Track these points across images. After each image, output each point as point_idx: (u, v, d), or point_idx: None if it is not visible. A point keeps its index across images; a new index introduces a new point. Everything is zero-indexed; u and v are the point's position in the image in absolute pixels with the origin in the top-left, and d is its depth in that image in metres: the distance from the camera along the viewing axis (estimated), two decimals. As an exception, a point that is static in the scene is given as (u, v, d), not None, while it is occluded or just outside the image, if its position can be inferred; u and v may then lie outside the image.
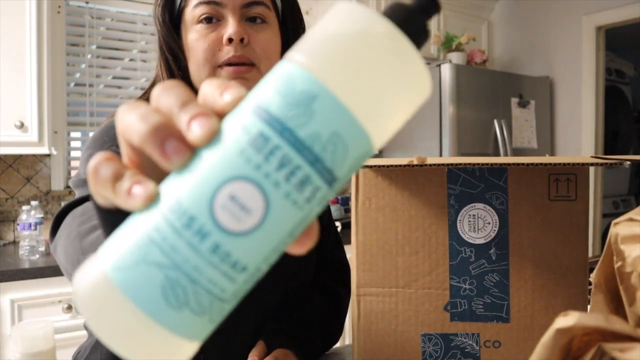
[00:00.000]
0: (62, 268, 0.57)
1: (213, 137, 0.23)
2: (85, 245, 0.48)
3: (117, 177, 0.24)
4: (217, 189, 0.22)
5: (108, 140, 0.68)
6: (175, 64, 0.73)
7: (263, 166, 0.22)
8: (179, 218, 0.22)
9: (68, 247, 0.53)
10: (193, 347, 0.25)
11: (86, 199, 0.59)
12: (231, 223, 0.22)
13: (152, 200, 0.23)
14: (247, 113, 0.23)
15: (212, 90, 0.25)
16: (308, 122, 0.23)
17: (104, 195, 0.25)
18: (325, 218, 0.89)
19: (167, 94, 0.26)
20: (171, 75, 0.74)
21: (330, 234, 0.90)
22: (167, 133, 0.24)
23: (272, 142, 0.22)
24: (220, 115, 0.25)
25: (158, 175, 0.26)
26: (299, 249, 0.26)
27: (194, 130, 0.23)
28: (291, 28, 0.77)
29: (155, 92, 0.26)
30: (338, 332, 0.86)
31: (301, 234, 0.25)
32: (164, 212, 0.23)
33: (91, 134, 2.41)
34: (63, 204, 2.19)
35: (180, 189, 0.23)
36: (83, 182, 0.65)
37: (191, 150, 0.24)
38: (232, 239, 0.22)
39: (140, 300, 0.22)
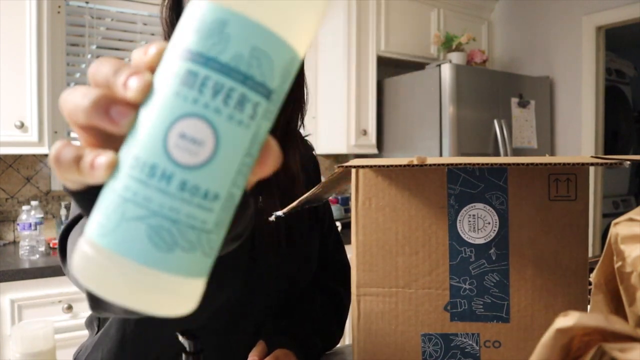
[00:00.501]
0: (73, 280, 0.57)
1: (148, 89, 0.25)
2: None
3: (78, 158, 0.26)
4: (166, 133, 0.24)
5: None
6: None
7: (200, 99, 0.24)
8: (141, 171, 0.24)
9: None
10: (199, 284, 0.26)
11: (80, 217, 0.59)
12: (188, 158, 0.24)
13: (114, 166, 0.25)
14: (172, 59, 0.25)
15: (139, 53, 0.27)
16: (226, 46, 0.24)
17: (71, 178, 0.27)
18: (327, 219, 0.89)
19: (100, 68, 0.27)
20: None
21: (332, 235, 0.90)
22: (107, 101, 0.25)
23: (201, 75, 0.24)
24: (151, 70, 0.26)
25: (117, 148, 0.27)
26: (264, 169, 0.27)
27: (130, 88, 0.25)
28: None
29: (91, 70, 0.28)
30: (339, 332, 0.86)
31: (261, 153, 0.27)
32: (126, 172, 0.24)
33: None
34: (63, 204, 2.20)
35: (135, 146, 0.24)
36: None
37: (134, 109, 0.25)
38: (194, 172, 0.24)
39: (132, 253, 0.23)
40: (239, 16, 0.24)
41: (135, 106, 0.25)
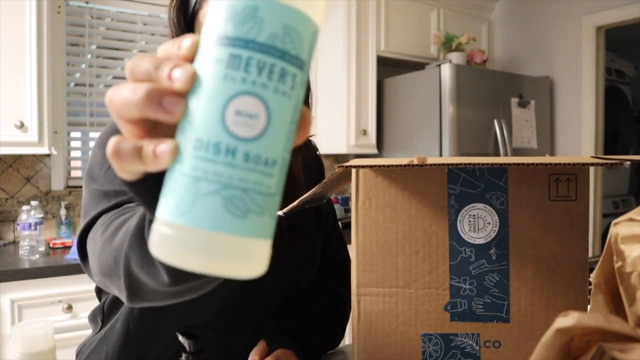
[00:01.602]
0: (98, 279, 0.57)
1: (194, 78, 0.27)
2: (116, 244, 0.49)
3: (137, 149, 0.28)
4: (223, 113, 0.26)
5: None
6: None
7: (247, 77, 0.26)
8: (206, 150, 0.26)
9: (100, 256, 0.54)
10: (268, 244, 0.29)
11: (98, 216, 0.60)
12: (247, 131, 0.26)
13: (176, 151, 0.27)
14: (212, 47, 0.27)
15: (169, 48, 0.29)
16: (261, 28, 0.27)
17: (130, 169, 0.29)
18: (329, 220, 0.89)
19: (139, 64, 0.29)
20: None
21: (334, 235, 0.90)
22: (159, 93, 0.27)
23: (244, 56, 0.26)
24: (189, 62, 0.28)
25: (163, 135, 0.29)
26: (303, 134, 0.30)
27: (177, 79, 0.27)
28: None
29: (128, 69, 0.29)
30: (339, 332, 0.86)
31: (300, 120, 0.29)
32: (191, 153, 0.26)
33: (91, 134, 2.40)
34: (63, 204, 2.20)
35: (194, 130, 0.27)
36: (104, 194, 0.64)
37: (184, 98, 0.27)
38: (254, 143, 0.27)
39: (213, 225, 0.26)
40: (267, 0, 0.27)
41: (183, 95, 0.27)
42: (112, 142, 0.28)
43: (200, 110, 0.27)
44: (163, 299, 0.48)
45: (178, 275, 0.48)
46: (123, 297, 0.50)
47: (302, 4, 0.28)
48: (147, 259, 0.42)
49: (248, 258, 0.27)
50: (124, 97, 0.28)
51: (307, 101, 0.81)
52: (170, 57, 0.29)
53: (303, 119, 0.30)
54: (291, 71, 0.27)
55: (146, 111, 0.27)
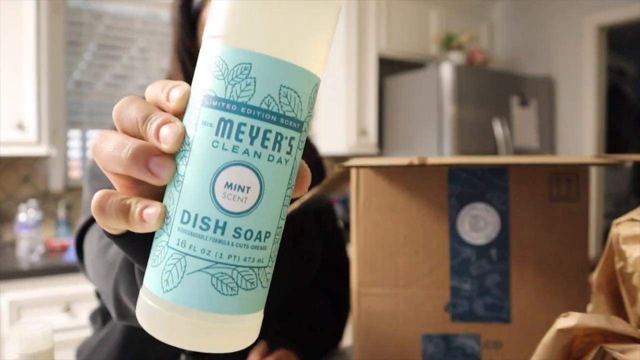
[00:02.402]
0: (92, 282, 0.59)
1: (182, 138, 0.25)
2: (110, 258, 0.49)
3: (123, 208, 0.26)
4: (212, 185, 0.24)
5: None
6: (190, 63, 0.75)
7: (239, 146, 0.24)
8: (193, 224, 0.24)
9: (95, 263, 0.54)
10: (260, 315, 0.28)
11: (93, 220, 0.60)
12: (238, 206, 0.25)
13: (164, 217, 0.25)
14: (201, 107, 0.25)
15: (158, 94, 0.27)
16: (255, 89, 0.24)
17: (115, 227, 0.27)
18: (330, 222, 0.89)
19: (126, 112, 0.27)
20: (186, 73, 0.76)
21: (335, 236, 0.90)
22: (145, 153, 0.25)
23: (235, 122, 0.24)
24: (177, 115, 0.26)
25: (150, 188, 0.28)
26: (300, 192, 0.28)
27: (165, 140, 0.25)
28: None
29: (116, 114, 0.28)
30: (339, 333, 0.86)
31: (297, 179, 0.28)
32: (178, 226, 0.25)
33: (90, 134, 2.39)
34: (61, 204, 2.19)
35: (182, 200, 0.25)
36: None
37: (171, 159, 0.25)
38: (245, 217, 0.25)
39: (199, 304, 0.25)
40: (261, 57, 0.24)
41: (171, 156, 0.26)
42: (97, 196, 0.27)
43: (189, 179, 0.25)
44: None
45: (123, 314, 0.48)
46: (112, 314, 0.51)
47: (301, 58, 0.25)
48: (135, 290, 0.42)
49: (238, 334, 0.26)
50: (109, 151, 0.26)
51: None
52: (160, 105, 0.27)
53: (300, 178, 0.28)
54: (288, 135, 0.25)
55: (131, 171, 0.26)
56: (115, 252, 0.49)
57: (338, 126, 2.68)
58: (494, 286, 0.57)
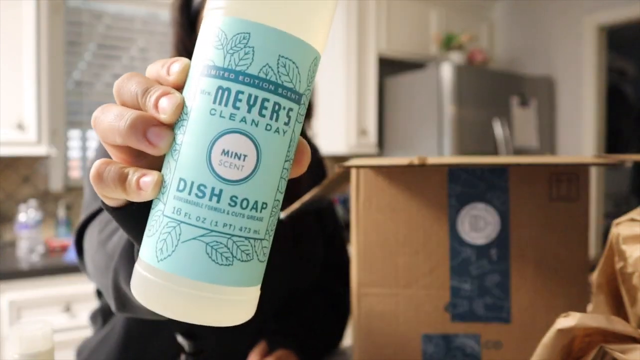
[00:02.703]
0: (92, 278, 0.59)
1: (181, 110, 0.25)
2: (109, 250, 0.49)
3: (121, 176, 0.26)
4: (209, 153, 0.24)
5: None
6: None
7: (236, 114, 0.24)
8: (189, 192, 0.24)
9: (94, 257, 0.54)
10: (257, 290, 0.27)
11: (97, 212, 0.60)
12: (234, 173, 0.24)
13: (160, 185, 0.25)
14: (199, 77, 0.25)
15: (158, 70, 0.27)
16: (253, 58, 0.24)
17: (112, 196, 0.27)
18: (331, 222, 0.89)
19: (126, 86, 0.27)
20: None
21: (336, 237, 0.90)
22: (144, 123, 0.26)
23: (233, 90, 0.24)
24: (177, 88, 0.26)
25: (150, 162, 0.28)
26: (299, 169, 0.28)
27: (163, 110, 0.25)
28: None
29: (116, 89, 0.28)
30: (340, 333, 0.86)
31: (296, 155, 0.27)
32: (174, 194, 0.25)
33: (90, 134, 2.39)
34: (62, 204, 2.19)
35: (178, 168, 0.25)
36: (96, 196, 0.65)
37: (170, 129, 0.26)
38: (242, 186, 0.24)
39: (194, 273, 0.24)
40: (260, 27, 0.24)
41: (170, 126, 0.26)
42: (96, 165, 0.27)
43: (186, 147, 0.25)
44: (150, 315, 0.48)
45: (122, 304, 0.48)
46: (112, 305, 0.51)
47: (300, 29, 0.25)
48: None
49: (233, 307, 0.25)
50: (108, 122, 0.27)
51: (309, 106, 0.81)
52: (160, 80, 0.27)
53: (299, 154, 0.28)
54: (286, 106, 0.25)
55: (129, 141, 0.26)
56: (115, 243, 0.49)
57: (338, 126, 2.68)
58: (494, 286, 0.57)
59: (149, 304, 0.25)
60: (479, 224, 0.57)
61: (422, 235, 0.58)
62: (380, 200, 0.58)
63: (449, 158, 0.57)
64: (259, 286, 0.27)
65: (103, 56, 2.36)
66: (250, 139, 0.24)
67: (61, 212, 2.19)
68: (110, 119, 0.27)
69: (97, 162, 0.27)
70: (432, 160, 0.51)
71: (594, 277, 0.45)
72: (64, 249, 2.00)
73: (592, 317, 0.35)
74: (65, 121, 2.26)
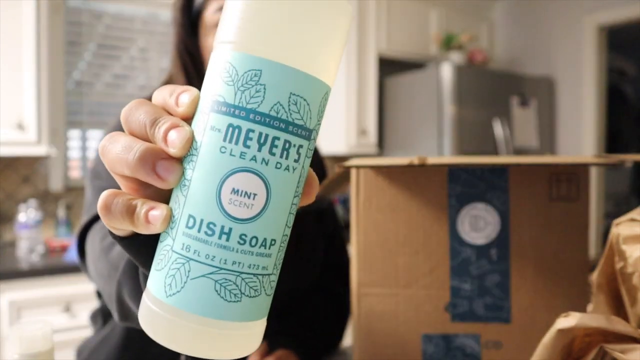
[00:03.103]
0: (94, 282, 0.59)
1: (190, 143, 0.25)
2: (112, 259, 0.49)
3: (129, 209, 0.26)
4: (219, 191, 0.24)
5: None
6: (192, 64, 0.75)
7: (246, 153, 0.24)
8: (199, 229, 0.24)
9: (97, 263, 0.54)
10: (263, 322, 0.27)
11: (99, 216, 0.60)
12: (244, 212, 0.24)
13: (169, 219, 0.25)
14: (209, 112, 0.25)
15: (166, 98, 0.27)
16: (264, 96, 0.24)
17: (120, 227, 0.27)
18: (331, 222, 0.89)
19: (134, 115, 0.27)
20: (187, 74, 0.75)
21: (336, 237, 0.90)
22: (153, 157, 0.25)
23: (243, 129, 0.24)
24: (186, 119, 0.26)
25: (157, 190, 0.28)
26: (308, 199, 0.28)
27: (172, 144, 0.25)
28: None
29: (124, 117, 0.28)
30: (340, 333, 0.86)
31: (305, 187, 0.27)
32: (183, 230, 0.25)
33: (90, 134, 2.38)
34: (62, 204, 2.19)
35: (188, 204, 0.25)
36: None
37: (179, 163, 0.25)
38: (251, 224, 0.25)
39: (202, 309, 0.24)
40: (272, 64, 0.24)
41: (179, 160, 0.26)
42: (104, 196, 0.27)
43: (195, 184, 0.25)
44: None
45: (125, 315, 0.48)
46: (114, 315, 0.51)
47: (312, 66, 0.25)
48: (139, 293, 0.42)
49: (240, 341, 0.26)
50: (117, 153, 0.26)
51: None
52: (168, 110, 0.27)
53: (308, 186, 0.28)
54: (296, 143, 0.25)
55: (138, 174, 0.26)
56: (119, 253, 0.49)
57: (338, 126, 2.68)
58: (494, 286, 0.57)
59: (156, 336, 0.26)
60: (479, 224, 0.57)
61: (422, 235, 0.58)
62: (380, 200, 0.58)
63: (449, 158, 0.57)
64: (265, 319, 0.27)
65: (103, 56, 2.36)
66: (261, 177, 0.24)
67: (61, 212, 2.19)
68: (119, 150, 0.26)
69: (105, 193, 0.27)
70: (432, 160, 0.51)
71: (594, 277, 0.45)
72: (64, 249, 2.00)
73: (592, 317, 0.35)
74: (65, 121, 2.26)
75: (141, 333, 0.85)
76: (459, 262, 0.57)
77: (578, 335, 0.36)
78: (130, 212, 0.26)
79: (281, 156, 0.25)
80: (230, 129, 0.24)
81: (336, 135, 2.69)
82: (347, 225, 2.67)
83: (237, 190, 0.24)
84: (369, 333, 0.59)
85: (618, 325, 0.35)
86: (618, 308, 0.44)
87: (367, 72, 2.70)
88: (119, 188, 0.28)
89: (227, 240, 0.24)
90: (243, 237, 0.24)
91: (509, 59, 3.26)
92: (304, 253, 0.80)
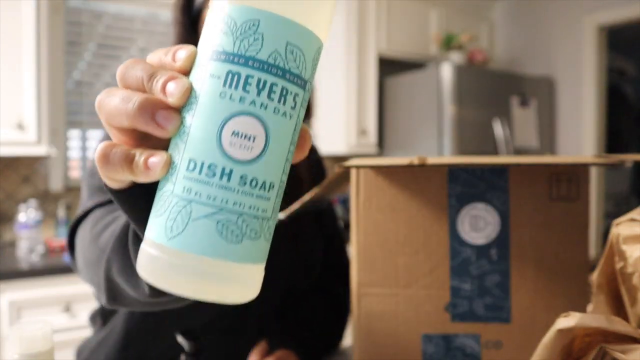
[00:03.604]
0: (82, 274, 0.58)
1: (189, 92, 0.26)
2: (102, 244, 0.49)
3: (127, 157, 0.26)
4: (219, 133, 0.25)
5: None
6: None
7: (246, 97, 0.25)
8: (199, 171, 0.25)
9: (86, 252, 0.54)
10: (262, 269, 0.28)
11: (90, 210, 0.60)
12: (244, 154, 0.25)
13: (169, 165, 0.26)
14: (209, 62, 0.26)
15: (161, 57, 0.28)
16: (262, 44, 0.25)
17: (118, 178, 0.27)
18: (330, 223, 0.89)
19: (131, 71, 0.27)
20: None
21: (335, 237, 0.90)
22: (152, 106, 0.26)
23: (243, 74, 0.25)
24: (182, 74, 0.27)
25: (153, 145, 0.28)
26: (301, 154, 0.29)
27: (172, 93, 0.25)
28: None
29: (120, 74, 0.28)
30: (340, 333, 0.86)
31: (299, 140, 0.28)
32: (183, 174, 0.25)
33: (90, 133, 2.38)
34: (62, 204, 2.19)
35: (188, 149, 0.25)
36: (100, 188, 0.65)
37: (178, 112, 0.26)
38: (251, 166, 0.26)
39: (205, 250, 0.25)
40: (269, 14, 0.25)
41: (177, 110, 0.26)
42: (102, 146, 0.27)
43: (195, 129, 0.25)
44: (141, 307, 0.48)
45: (113, 296, 0.48)
46: (102, 298, 0.50)
47: (306, 19, 0.26)
48: (128, 267, 0.42)
49: (241, 283, 0.26)
50: (115, 104, 0.27)
51: (310, 103, 0.81)
52: (165, 66, 0.27)
53: (302, 139, 0.29)
54: (293, 91, 0.26)
55: (137, 123, 0.26)
56: (107, 238, 0.48)
57: (338, 126, 2.68)
58: (494, 286, 0.57)
59: (157, 281, 0.26)
60: (479, 224, 0.57)
61: (422, 235, 0.58)
62: (380, 200, 0.58)
63: (449, 158, 0.57)
64: (263, 265, 0.28)
65: (103, 56, 2.36)
66: (260, 120, 0.25)
67: (61, 212, 2.19)
68: (117, 102, 0.26)
69: (103, 144, 0.27)
70: (432, 160, 0.51)
71: (594, 277, 0.45)
72: (64, 249, 2.00)
73: (592, 317, 0.35)
74: (65, 121, 2.26)
75: (141, 333, 0.85)
76: (459, 262, 0.57)
77: (578, 335, 0.36)
78: (129, 160, 0.26)
79: (279, 102, 0.26)
80: (230, 75, 0.25)
81: (336, 135, 2.69)
82: (347, 225, 2.67)
83: (237, 133, 0.25)
84: (369, 333, 0.59)
85: (618, 325, 0.35)
86: (618, 308, 0.44)
87: (367, 72, 2.70)
88: None
89: (228, 181, 0.25)
90: (244, 178, 0.25)
91: (509, 59, 3.26)
92: (302, 253, 0.80)
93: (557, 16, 3.00)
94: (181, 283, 0.25)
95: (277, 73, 0.25)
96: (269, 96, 0.25)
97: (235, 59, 0.25)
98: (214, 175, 0.25)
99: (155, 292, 0.40)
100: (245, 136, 0.25)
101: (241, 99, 0.25)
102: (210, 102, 0.25)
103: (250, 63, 0.25)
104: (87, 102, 2.32)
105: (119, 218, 0.49)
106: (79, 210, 0.65)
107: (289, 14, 0.26)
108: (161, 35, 2.47)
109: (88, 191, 0.66)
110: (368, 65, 2.70)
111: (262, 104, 0.25)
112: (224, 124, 0.25)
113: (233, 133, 0.25)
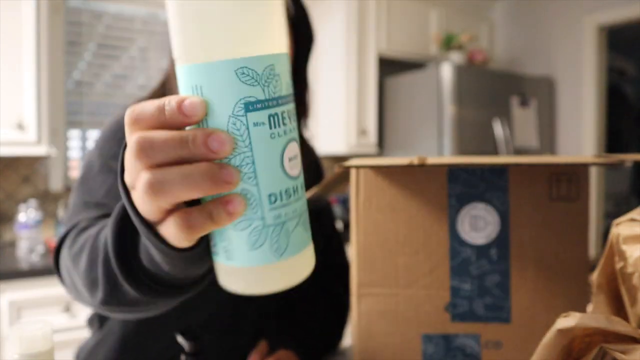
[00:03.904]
0: (71, 290, 0.56)
1: (232, 143, 0.29)
2: (100, 244, 0.48)
3: (208, 214, 0.29)
4: (282, 164, 0.30)
5: (122, 137, 0.68)
6: None
7: (287, 128, 0.30)
8: (281, 199, 0.30)
9: (77, 260, 0.52)
10: (311, 248, 0.34)
11: (70, 230, 0.58)
12: (298, 171, 0.32)
13: (245, 204, 0.30)
14: (245, 114, 0.29)
15: (160, 115, 0.28)
16: (280, 81, 0.30)
17: (200, 234, 0.30)
18: (328, 225, 0.89)
19: (156, 150, 0.28)
20: None
21: (334, 237, 0.90)
22: (215, 174, 0.28)
23: (279, 113, 0.30)
24: (196, 123, 0.29)
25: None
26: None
27: (218, 152, 0.28)
28: (303, 33, 0.78)
29: (141, 155, 0.28)
30: (340, 333, 0.86)
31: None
32: (269, 207, 0.30)
33: (90, 133, 2.38)
34: (62, 204, 2.19)
35: (263, 189, 0.30)
36: (92, 205, 0.64)
37: (233, 167, 0.29)
38: (300, 177, 0.32)
39: (301, 246, 0.32)
40: (277, 56, 0.30)
41: (229, 164, 0.29)
42: (180, 219, 0.29)
43: (262, 169, 0.30)
44: (138, 306, 0.47)
45: (110, 294, 0.47)
46: (99, 295, 0.48)
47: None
48: (134, 271, 0.41)
49: (313, 257, 0.34)
50: (179, 183, 0.28)
51: (306, 103, 0.81)
52: (174, 122, 0.28)
53: None
54: (292, 109, 0.31)
55: (210, 192, 0.28)
56: (104, 239, 0.47)
57: (338, 126, 2.68)
58: (494, 286, 0.57)
59: (275, 288, 0.32)
60: (479, 224, 0.57)
61: (422, 235, 0.58)
62: (380, 200, 0.58)
63: (449, 158, 0.57)
64: (311, 245, 0.34)
65: (103, 56, 2.36)
66: (296, 141, 0.31)
67: (61, 212, 2.19)
68: (179, 180, 0.28)
69: (175, 216, 0.29)
70: (432, 160, 0.51)
71: (594, 277, 0.45)
72: (64, 249, 1.99)
73: (592, 317, 0.35)
74: (65, 121, 2.26)
75: (139, 334, 0.84)
76: (459, 262, 0.57)
77: (578, 336, 0.36)
78: (209, 215, 0.29)
79: (294, 120, 0.31)
80: (272, 118, 0.30)
81: (336, 135, 2.69)
82: (347, 225, 2.66)
83: (291, 157, 0.31)
84: (369, 333, 0.59)
85: (618, 325, 0.35)
86: (618, 308, 0.44)
87: (367, 72, 2.70)
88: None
89: (296, 193, 0.31)
90: (299, 187, 0.32)
91: (509, 59, 3.26)
92: None
93: (557, 16, 2.99)
94: (285, 280, 0.32)
95: (291, 100, 0.31)
96: (291, 119, 0.31)
97: (270, 103, 0.29)
98: (290, 196, 0.31)
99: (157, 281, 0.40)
100: (295, 157, 0.31)
101: (285, 132, 0.30)
102: (265, 146, 0.29)
103: (281, 101, 0.30)
104: (87, 102, 2.32)
105: (104, 229, 0.48)
106: (68, 223, 0.62)
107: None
108: (161, 36, 2.47)
109: (81, 200, 0.64)
110: (368, 65, 2.70)
111: (293, 128, 0.31)
112: (282, 156, 0.30)
113: (289, 159, 0.31)
